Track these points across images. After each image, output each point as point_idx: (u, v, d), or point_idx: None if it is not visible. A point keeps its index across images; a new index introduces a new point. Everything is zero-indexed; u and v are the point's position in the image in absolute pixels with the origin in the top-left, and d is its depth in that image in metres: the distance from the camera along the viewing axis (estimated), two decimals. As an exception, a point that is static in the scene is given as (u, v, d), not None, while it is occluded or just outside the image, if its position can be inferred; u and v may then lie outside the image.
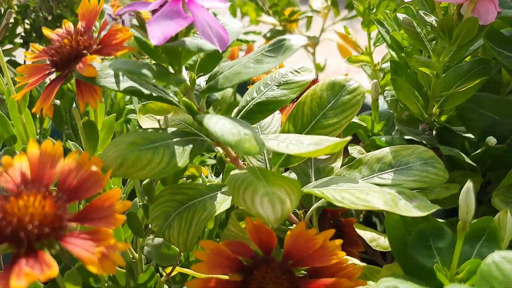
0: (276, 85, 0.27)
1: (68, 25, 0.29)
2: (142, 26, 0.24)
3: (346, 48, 0.86)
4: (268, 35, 0.82)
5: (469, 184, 0.20)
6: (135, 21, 0.24)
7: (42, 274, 0.17)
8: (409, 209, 0.23)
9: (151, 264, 0.32)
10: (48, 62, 0.28)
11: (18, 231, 0.18)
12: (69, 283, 0.26)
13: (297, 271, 0.24)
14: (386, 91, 0.46)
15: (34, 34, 0.80)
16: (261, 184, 0.23)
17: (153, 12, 0.23)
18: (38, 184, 0.20)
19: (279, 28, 0.83)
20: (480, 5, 0.29)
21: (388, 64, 0.47)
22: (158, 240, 0.33)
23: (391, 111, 0.43)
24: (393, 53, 0.39)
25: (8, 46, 0.75)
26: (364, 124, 0.37)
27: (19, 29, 0.76)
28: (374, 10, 0.48)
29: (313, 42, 0.82)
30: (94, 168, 0.20)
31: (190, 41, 0.23)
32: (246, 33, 0.96)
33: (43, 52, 0.28)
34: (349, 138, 0.23)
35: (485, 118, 0.36)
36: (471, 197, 0.20)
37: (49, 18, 0.78)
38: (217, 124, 0.22)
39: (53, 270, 0.18)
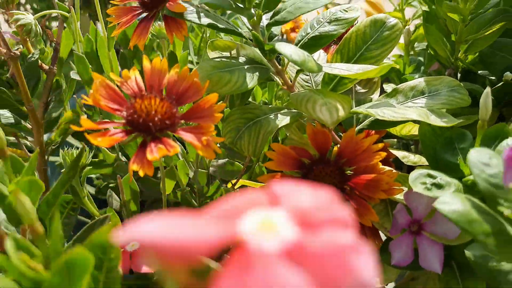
0: (327, 22, 0.33)
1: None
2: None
3: (373, 14, 0.90)
4: None
5: (487, 89, 0.25)
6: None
7: (172, 149, 0.23)
8: (439, 121, 0.29)
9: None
10: (136, 4, 0.33)
11: (147, 122, 0.24)
12: (168, 178, 0.33)
13: (346, 170, 0.30)
14: (416, 44, 0.51)
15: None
16: (320, 97, 0.28)
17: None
18: (152, 91, 0.26)
19: None
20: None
21: (418, 20, 0.52)
22: (222, 160, 0.39)
23: (421, 59, 0.48)
24: (425, 7, 0.44)
25: None
26: (397, 66, 0.43)
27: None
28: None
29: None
30: (195, 79, 0.26)
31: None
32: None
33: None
34: (391, 63, 0.29)
35: (505, 61, 0.41)
36: (489, 101, 0.25)
37: None
38: (286, 48, 0.28)
39: (176, 148, 0.24)
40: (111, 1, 0.36)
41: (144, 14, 0.33)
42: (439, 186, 0.25)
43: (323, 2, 0.29)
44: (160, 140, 0.24)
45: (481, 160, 0.21)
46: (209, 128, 0.25)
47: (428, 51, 0.46)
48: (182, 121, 0.26)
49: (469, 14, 0.37)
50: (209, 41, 0.36)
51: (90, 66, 0.39)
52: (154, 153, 0.23)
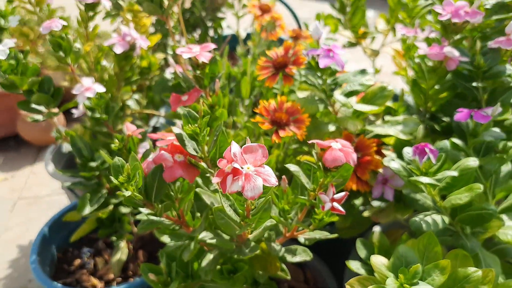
0: (358, 84, 0.69)
1: (277, 50, 0.72)
2: (314, 60, 0.66)
3: (397, 58, 1.26)
4: (346, 45, 1.23)
5: (421, 126, 0.61)
6: (309, 55, 0.67)
7: (288, 133, 0.60)
8: (402, 136, 0.65)
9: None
10: (270, 65, 0.70)
11: (278, 121, 0.61)
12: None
13: (358, 154, 0.66)
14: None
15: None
16: (350, 120, 0.65)
17: (318, 55, 0.65)
18: (281, 109, 0.63)
19: (353, 41, 1.24)
20: (449, 62, 0.69)
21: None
22: (295, 145, 0.76)
23: (410, 103, 0.83)
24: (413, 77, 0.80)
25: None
26: (393, 107, 0.79)
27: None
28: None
29: (374, 53, 1.22)
30: (297, 105, 0.63)
31: (334, 65, 0.66)
32: (328, 39, 1.37)
33: (267, 62, 0.71)
34: (383, 107, 0.65)
35: (452, 110, 0.76)
36: (421, 129, 0.61)
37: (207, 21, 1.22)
38: (338, 97, 0.64)
39: (290, 133, 0.60)
40: (258, 63, 0.73)
41: (274, 71, 0.70)
42: (393, 161, 0.61)
43: (365, 84, 0.66)
44: (284, 129, 0.61)
45: (407, 150, 0.57)
46: (303, 127, 0.62)
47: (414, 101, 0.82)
48: (292, 123, 0.63)
49: (432, 87, 0.73)
50: (299, 86, 0.72)
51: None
52: (282, 133, 0.60)
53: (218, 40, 1.30)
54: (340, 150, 0.45)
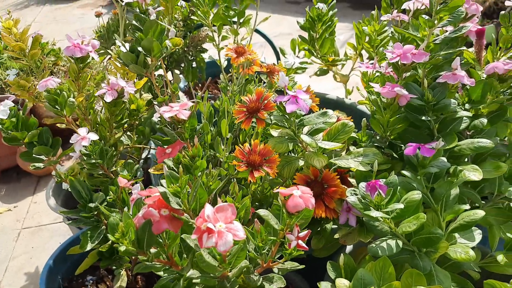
0: (322, 122, 0.78)
1: (250, 96, 0.81)
2: (281, 105, 0.75)
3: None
4: (318, 72, 1.32)
5: (376, 164, 0.71)
6: (277, 101, 0.76)
7: (260, 174, 0.69)
8: (361, 168, 0.74)
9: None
10: (244, 110, 0.79)
11: (253, 163, 0.70)
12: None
13: (324, 185, 0.76)
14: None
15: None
16: (316, 156, 0.74)
17: (286, 100, 0.74)
18: (254, 151, 0.72)
19: (324, 67, 1.33)
20: (400, 99, 0.79)
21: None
22: (271, 178, 0.85)
23: (371, 131, 0.93)
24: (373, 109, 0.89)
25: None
26: (357, 137, 0.88)
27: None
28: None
29: (345, 79, 1.32)
30: (269, 146, 0.72)
31: (299, 110, 0.75)
32: (302, 63, 1.46)
33: (242, 106, 0.80)
34: (344, 145, 0.74)
35: (408, 137, 0.86)
36: (376, 164, 0.71)
37: (189, 57, 1.31)
38: (305, 137, 0.74)
39: (262, 173, 0.69)
40: (235, 109, 0.82)
41: (248, 115, 0.79)
42: (355, 194, 0.70)
43: (328, 122, 0.75)
44: (258, 170, 0.70)
45: (361, 186, 0.66)
46: (275, 166, 0.71)
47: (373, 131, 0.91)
48: (265, 163, 0.72)
49: (388, 120, 0.82)
50: (272, 125, 0.82)
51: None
52: (256, 174, 0.69)
53: (201, 72, 1.39)
54: (300, 197, 0.55)
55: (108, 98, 0.89)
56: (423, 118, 0.78)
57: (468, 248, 0.67)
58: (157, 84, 0.80)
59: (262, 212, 0.57)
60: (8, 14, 2.23)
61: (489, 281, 0.62)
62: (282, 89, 1.08)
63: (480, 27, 0.89)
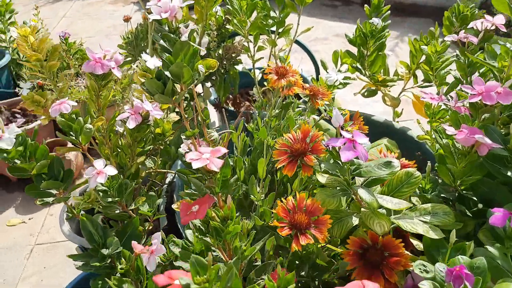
0: (383, 168, 0.64)
1: (294, 134, 0.67)
2: (335, 151, 0.62)
3: (418, 105, 1.20)
4: (366, 93, 1.18)
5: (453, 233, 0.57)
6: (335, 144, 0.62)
7: (308, 240, 0.56)
8: (433, 234, 0.60)
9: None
10: (287, 151, 0.66)
11: (298, 225, 0.57)
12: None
13: (385, 253, 0.62)
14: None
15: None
16: (376, 217, 0.60)
17: (341, 146, 0.61)
18: (300, 209, 0.59)
19: (373, 88, 1.19)
20: (480, 148, 0.64)
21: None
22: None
23: (437, 178, 0.78)
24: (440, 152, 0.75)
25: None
26: (421, 185, 0.74)
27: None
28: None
29: (395, 103, 1.17)
30: (317, 203, 0.59)
31: (357, 159, 0.61)
32: (345, 77, 1.32)
33: (284, 146, 0.66)
34: (410, 205, 0.60)
35: (483, 190, 0.71)
36: (454, 235, 0.57)
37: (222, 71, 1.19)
38: (363, 194, 0.60)
39: (311, 240, 0.56)
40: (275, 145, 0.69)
41: (292, 158, 0.66)
42: (426, 271, 0.56)
43: (393, 172, 0.61)
44: (304, 235, 0.57)
45: (439, 268, 0.52)
46: (325, 230, 0.57)
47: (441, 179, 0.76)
48: (313, 225, 0.58)
49: (461, 169, 0.68)
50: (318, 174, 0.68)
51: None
52: (303, 241, 0.56)
53: (233, 85, 1.26)
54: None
55: (131, 124, 0.77)
56: (509, 173, 0.63)
57: None
58: (185, 116, 0.68)
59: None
60: (36, 9, 2.15)
61: None
62: (327, 118, 0.95)
63: None
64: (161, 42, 0.63)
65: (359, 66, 1.16)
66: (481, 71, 0.92)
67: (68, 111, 0.73)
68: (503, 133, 0.69)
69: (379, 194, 0.65)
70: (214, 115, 1.55)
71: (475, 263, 0.52)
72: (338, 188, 0.64)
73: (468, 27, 1.06)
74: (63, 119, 0.73)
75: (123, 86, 1.84)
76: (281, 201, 0.60)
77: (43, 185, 0.72)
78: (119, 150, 0.86)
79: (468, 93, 0.67)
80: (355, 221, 0.64)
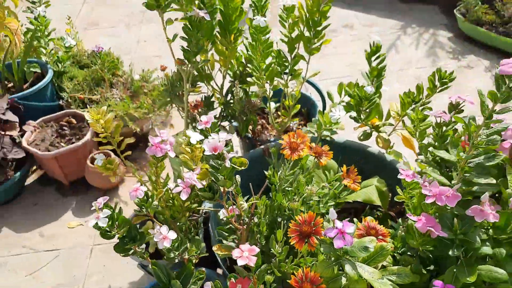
0: (365, 255, 0.93)
1: (304, 216, 0.96)
2: (329, 239, 0.90)
3: (406, 140, 1.46)
4: (362, 137, 1.44)
5: None
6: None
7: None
8: (395, 294, 0.90)
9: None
10: (297, 231, 0.95)
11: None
12: None
13: None
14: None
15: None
16: (357, 284, 0.90)
17: (333, 236, 0.90)
18: (306, 283, 0.89)
19: (368, 131, 1.45)
20: (432, 234, 0.92)
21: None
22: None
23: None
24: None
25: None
26: (394, 244, 1.03)
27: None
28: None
29: (387, 144, 1.43)
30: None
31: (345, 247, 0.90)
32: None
33: (296, 226, 0.95)
34: (381, 275, 0.90)
35: (437, 253, 1.00)
36: None
37: (244, 118, 1.45)
38: (349, 270, 0.89)
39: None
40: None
41: (301, 237, 0.95)
42: (387, 322, 0.86)
43: (365, 254, 0.90)
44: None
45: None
46: None
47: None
48: (314, 291, 0.89)
49: (420, 241, 0.97)
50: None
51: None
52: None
53: (254, 125, 1.53)
54: None
55: (184, 196, 1.06)
56: (450, 253, 0.92)
57: None
58: (226, 207, 0.97)
59: None
60: (68, 19, 2.36)
61: None
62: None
63: None
64: (211, 162, 0.91)
65: (356, 116, 1.42)
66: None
67: (142, 196, 1.02)
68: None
69: (360, 262, 0.94)
70: (236, 141, 1.82)
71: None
72: (332, 259, 0.93)
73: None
74: (139, 200, 1.02)
75: (153, 98, 2.11)
76: (295, 275, 0.90)
77: (126, 249, 1.02)
78: (172, 206, 1.16)
79: (426, 194, 0.94)
80: (344, 280, 0.94)
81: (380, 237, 1.02)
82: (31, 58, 2.21)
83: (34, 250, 1.74)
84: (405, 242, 1.04)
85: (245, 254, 0.84)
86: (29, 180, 2.05)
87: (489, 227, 0.97)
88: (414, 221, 0.94)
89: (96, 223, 0.98)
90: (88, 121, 1.19)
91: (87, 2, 3.62)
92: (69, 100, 2.11)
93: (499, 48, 2.65)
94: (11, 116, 1.88)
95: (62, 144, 1.93)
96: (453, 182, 1.02)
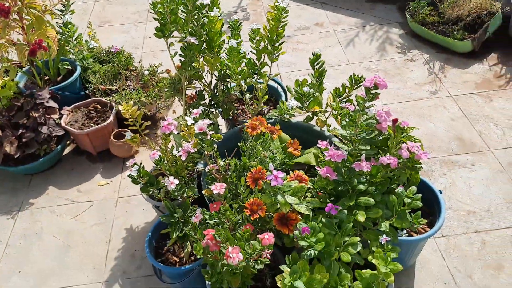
0: (290, 189, 1.57)
1: (255, 169, 1.60)
2: (268, 181, 1.55)
3: (338, 121, 2.09)
4: (305, 120, 2.07)
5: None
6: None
7: (262, 213, 1.51)
8: (306, 211, 1.55)
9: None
10: (252, 178, 1.59)
11: (252, 211, 1.52)
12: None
13: (289, 218, 1.57)
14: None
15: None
16: (284, 206, 1.55)
17: (271, 179, 1.54)
18: (254, 205, 1.54)
19: (311, 116, 2.08)
20: (330, 178, 1.57)
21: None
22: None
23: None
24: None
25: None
26: (312, 185, 1.68)
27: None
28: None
29: (322, 124, 2.06)
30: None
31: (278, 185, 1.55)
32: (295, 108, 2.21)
33: (251, 175, 1.59)
34: (298, 201, 1.56)
35: (335, 191, 1.65)
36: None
37: (225, 106, 2.09)
38: (280, 198, 1.54)
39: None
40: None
41: (253, 180, 1.60)
42: (300, 225, 1.52)
43: (290, 189, 1.54)
44: (256, 213, 1.52)
45: (300, 227, 1.47)
46: (264, 211, 1.53)
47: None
48: (260, 210, 1.54)
49: (325, 183, 1.62)
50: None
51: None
52: (254, 216, 1.51)
53: (232, 112, 2.16)
54: (268, 238, 1.38)
55: (183, 158, 1.70)
56: (340, 189, 1.57)
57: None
58: (209, 164, 1.61)
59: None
60: (90, 26, 2.97)
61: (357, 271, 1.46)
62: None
63: (395, 118, 1.63)
64: (199, 137, 1.54)
65: (301, 106, 2.05)
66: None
67: (157, 158, 1.66)
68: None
69: (289, 195, 1.58)
70: (222, 122, 2.46)
71: (312, 225, 1.47)
72: (271, 193, 1.58)
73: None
74: (155, 160, 1.67)
75: (159, 88, 2.73)
76: (247, 201, 1.55)
77: (148, 189, 1.67)
78: (176, 165, 1.80)
79: (326, 155, 1.58)
80: (278, 205, 1.58)
81: (303, 181, 1.67)
82: (62, 57, 2.82)
83: (74, 202, 2.39)
84: (318, 185, 1.69)
85: (218, 187, 1.48)
86: (65, 151, 2.69)
87: (368, 175, 1.62)
88: (319, 171, 1.59)
89: (130, 174, 1.63)
90: (120, 110, 1.82)
91: (98, 0, 4.19)
92: (94, 90, 2.74)
93: (439, 44, 3.26)
94: (52, 103, 2.51)
95: (92, 124, 2.56)
96: (349, 148, 1.65)
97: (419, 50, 3.25)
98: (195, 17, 1.95)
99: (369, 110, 1.62)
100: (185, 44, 1.89)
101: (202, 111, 1.60)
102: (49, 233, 2.24)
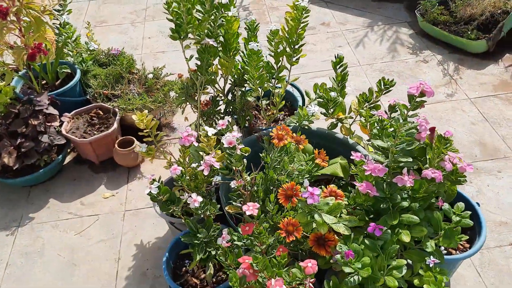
0: (326, 207, 1.44)
1: (287, 185, 1.47)
2: (304, 199, 1.42)
3: (363, 128, 1.97)
4: (330, 127, 1.94)
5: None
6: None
7: (298, 235, 1.38)
8: (345, 232, 1.42)
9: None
10: (284, 194, 1.46)
11: (288, 232, 1.39)
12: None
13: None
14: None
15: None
16: (321, 226, 1.41)
17: (306, 197, 1.41)
18: (290, 226, 1.40)
19: (335, 122, 1.95)
20: (370, 195, 1.44)
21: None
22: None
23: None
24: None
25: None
26: (348, 201, 1.55)
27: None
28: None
29: (348, 132, 1.94)
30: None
31: (315, 203, 1.42)
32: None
33: (283, 191, 1.46)
34: (337, 221, 1.42)
35: (375, 208, 1.53)
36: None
37: (243, 113, 1.94)
38: (317, 217, 1.41)
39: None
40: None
41: (285, 198, 1.46)
42: (340, 248, 1.38)
43: (329, 205, 1.41)
44: (291, 235, 1.39)
45: (341, 249, 1.34)
46: (300, 233, 1.39)
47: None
48: (295, 231, 1.40)
49: (364, 199, 1.49)
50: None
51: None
52: (290, 239, 1.38)
53: (250, 119, 2.02)
54: (312, 266, 1.24)
55: (206, 172, 1.55)
56: (381, 206, 1.44)
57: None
58: (236, 179, 1.47)
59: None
60: (88, 27, 2.79)
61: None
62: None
63: (432, 126, 1.50)
64: (227, 151, 1.40)
65: (325, 112, 1.92)
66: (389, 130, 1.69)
67: (179, 173, 1.51)
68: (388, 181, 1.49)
69: (325, 213, 1.45)
70: (235, 128, 2.31)
71: (355, 248, 1.34)
72: (306, 212, 1.44)
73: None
74: (177, 176, 1.52)
75: (165, 93, 2.58)
76: (282, 221, 1.41)
77: (169, 208, 1.52)
78: (195, 179, 1.66)
79: (365, 168, 1.45)
80: (314, 225, 1.45)
81: (338, 197, 1.53)
82: (60, 60, 2.64)
83: (78, 216, 2.23)
84: (355, 201, 1.56)
85: (251, 208, 1.34)
86: (66, 161, 2.51)
87: (409, 190, 1.50)
88: (358, 186, 1.46)
89: (150, 192, 1.48)
90: (135, 121, 1.67)
91: (92, -1, 4.01)
92: (95, 95, 2.57)
93: (451, 44, 3.16)
94: (52, 110, 2.34)
95: (94, 132, 2.40)
96: (386, 160, 1.53)
97: (431, 51, 3.14)
98: (212, 17, 1.80)
99: (412, 120, 1.49)
100: (203, 46, 1.74)
101: (228, 122, 1.45)
102: (52, 250, 2.08)
